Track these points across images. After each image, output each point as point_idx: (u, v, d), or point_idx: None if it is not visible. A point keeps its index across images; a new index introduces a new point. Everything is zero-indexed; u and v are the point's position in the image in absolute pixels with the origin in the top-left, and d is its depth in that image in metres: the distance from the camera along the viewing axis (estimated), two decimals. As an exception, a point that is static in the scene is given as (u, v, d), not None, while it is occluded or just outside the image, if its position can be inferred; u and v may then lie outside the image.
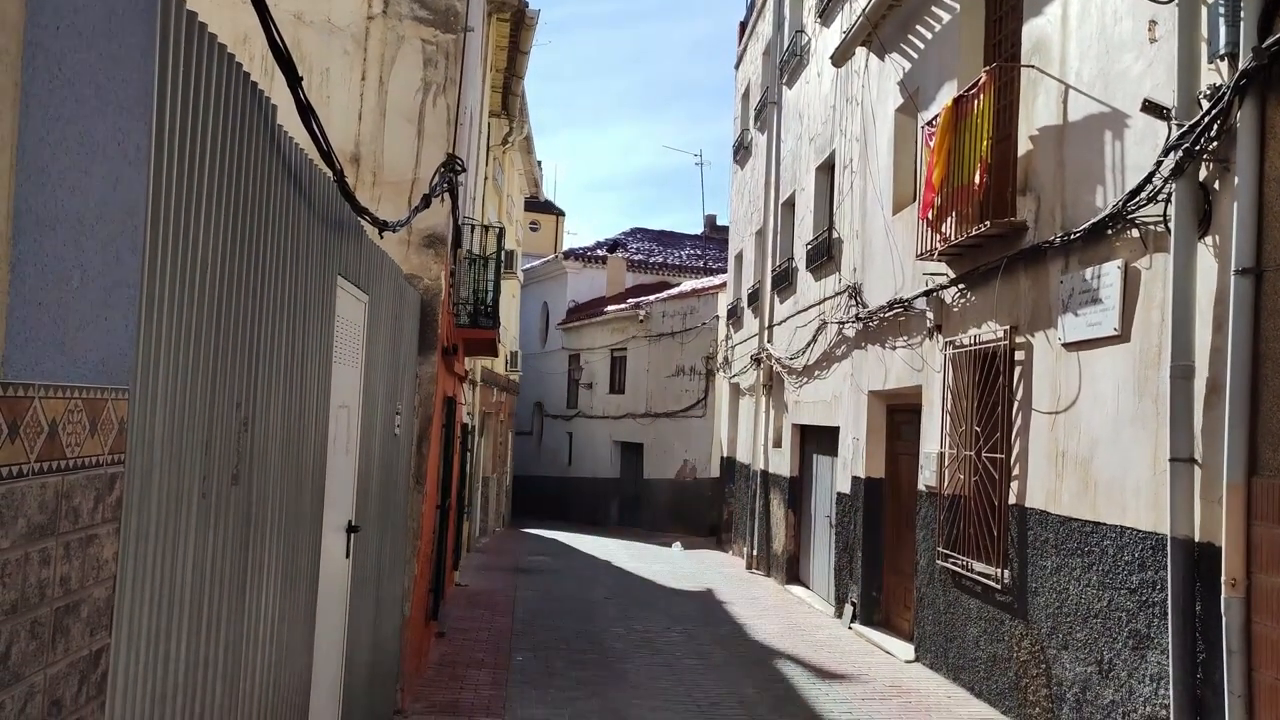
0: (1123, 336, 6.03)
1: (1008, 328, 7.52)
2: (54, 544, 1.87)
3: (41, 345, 1.79)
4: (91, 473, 2.01)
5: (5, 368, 1.67)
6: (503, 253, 10.59)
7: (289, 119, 3.34)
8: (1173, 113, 5.44)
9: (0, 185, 1.63)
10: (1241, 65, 4.81)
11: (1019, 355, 7.45)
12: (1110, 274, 6.14)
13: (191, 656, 2.66)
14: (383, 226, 4.74)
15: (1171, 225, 5.43)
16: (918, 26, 9.82)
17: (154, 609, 2.39)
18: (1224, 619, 4.78)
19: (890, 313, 10.01)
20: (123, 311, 2.09)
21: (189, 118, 2.41)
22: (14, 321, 1.69)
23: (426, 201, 5.97)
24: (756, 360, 16.56)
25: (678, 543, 20.07)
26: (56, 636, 1.90)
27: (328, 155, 3.59)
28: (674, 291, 26.46)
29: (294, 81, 3.07)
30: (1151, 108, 5.55)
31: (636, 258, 31.58)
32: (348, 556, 4.95)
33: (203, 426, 2.65)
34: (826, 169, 13.54)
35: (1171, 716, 5.19)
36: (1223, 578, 4.81)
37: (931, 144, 8.36)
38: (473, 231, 10.00)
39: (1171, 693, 5.19)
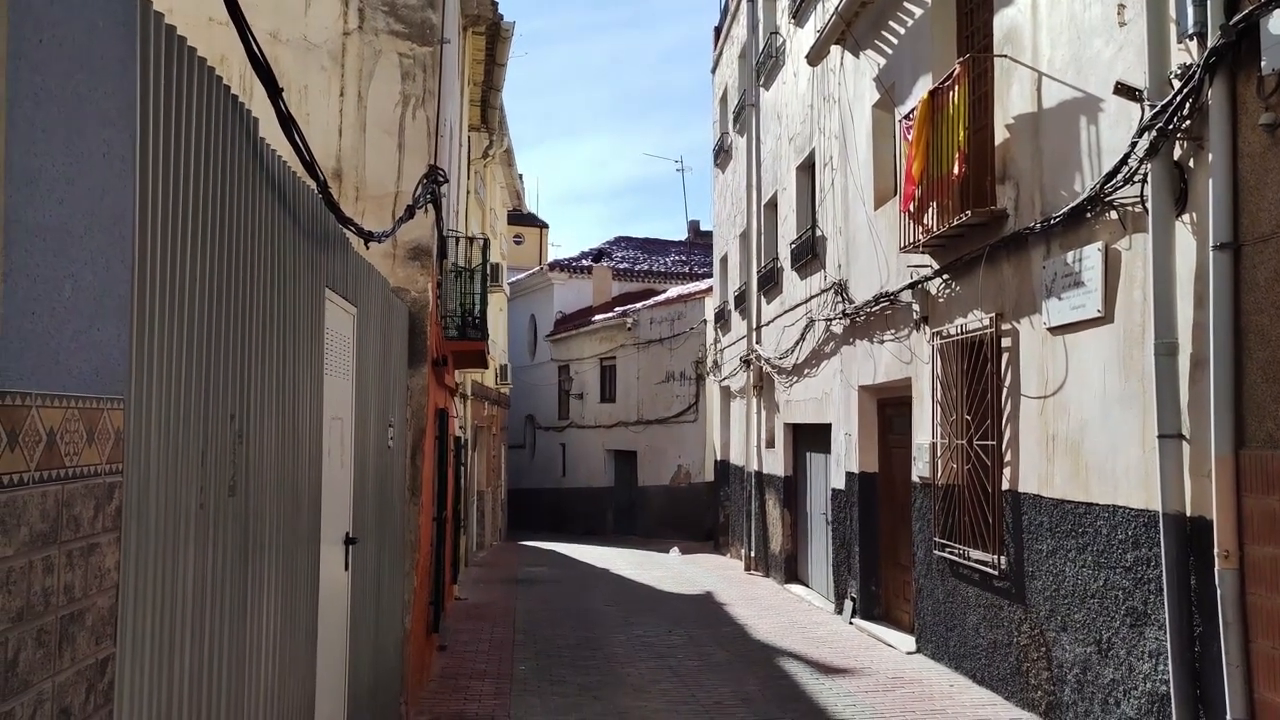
0: (1106, 317, 6.08)
1: (993, 315, 7.57)
2: (56, 552, 1.89)
3: (37, 355, 1.81)
4: (90, 482, 2.02)
5: (2, 377, 1.69)
6: (488, 264, 10.60)
7: (270, 134, 3.36)
8: (1145, 94, 5.50)
9: (-10, 196, 1.65)
10: (1210, 44, 4.87)
11: (1006, 342, 7.50)
12: (1091, 256, 6.20)
13: (195, 666, 2.67)
14: (368, 237, 4.76)
15: (1149, 205, 5.49)
16: (890, 22, 9.90)
17: (157, 619, 2.40)
18: (1219, 592, 4.82)
19: (877, 307, 10.06)
20: (115, 321, 2.11)
21: (172, 129, 2.43)
22: (8, 331, 1.71)
23: (410, 212, 5.99)
24: (746, 362, 16.60)
25: (675, 548, 20.05)
26: (63, 644, 1.92)
27: (311, 166, 3.60)
28: (661, 298, 26.46)
29: (274, 93, 3.09)
30: (1124, 90, 5.62)
31: (622, 266, 31.61)
32: (347, 569, 4.95)
33: (198, 437, 2.67)
34: (807, 168, 13.61)
35: (1171, 691, 5.23)
36: (1215, 551, 4.86)
37: (910, 137, 8.42)
38: (457, 244, 10.01)
39: (1171, 667, 5.23)
